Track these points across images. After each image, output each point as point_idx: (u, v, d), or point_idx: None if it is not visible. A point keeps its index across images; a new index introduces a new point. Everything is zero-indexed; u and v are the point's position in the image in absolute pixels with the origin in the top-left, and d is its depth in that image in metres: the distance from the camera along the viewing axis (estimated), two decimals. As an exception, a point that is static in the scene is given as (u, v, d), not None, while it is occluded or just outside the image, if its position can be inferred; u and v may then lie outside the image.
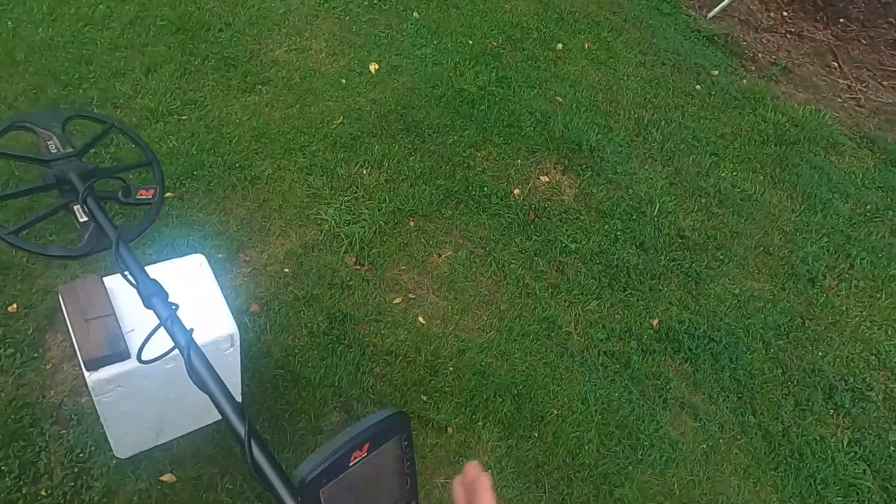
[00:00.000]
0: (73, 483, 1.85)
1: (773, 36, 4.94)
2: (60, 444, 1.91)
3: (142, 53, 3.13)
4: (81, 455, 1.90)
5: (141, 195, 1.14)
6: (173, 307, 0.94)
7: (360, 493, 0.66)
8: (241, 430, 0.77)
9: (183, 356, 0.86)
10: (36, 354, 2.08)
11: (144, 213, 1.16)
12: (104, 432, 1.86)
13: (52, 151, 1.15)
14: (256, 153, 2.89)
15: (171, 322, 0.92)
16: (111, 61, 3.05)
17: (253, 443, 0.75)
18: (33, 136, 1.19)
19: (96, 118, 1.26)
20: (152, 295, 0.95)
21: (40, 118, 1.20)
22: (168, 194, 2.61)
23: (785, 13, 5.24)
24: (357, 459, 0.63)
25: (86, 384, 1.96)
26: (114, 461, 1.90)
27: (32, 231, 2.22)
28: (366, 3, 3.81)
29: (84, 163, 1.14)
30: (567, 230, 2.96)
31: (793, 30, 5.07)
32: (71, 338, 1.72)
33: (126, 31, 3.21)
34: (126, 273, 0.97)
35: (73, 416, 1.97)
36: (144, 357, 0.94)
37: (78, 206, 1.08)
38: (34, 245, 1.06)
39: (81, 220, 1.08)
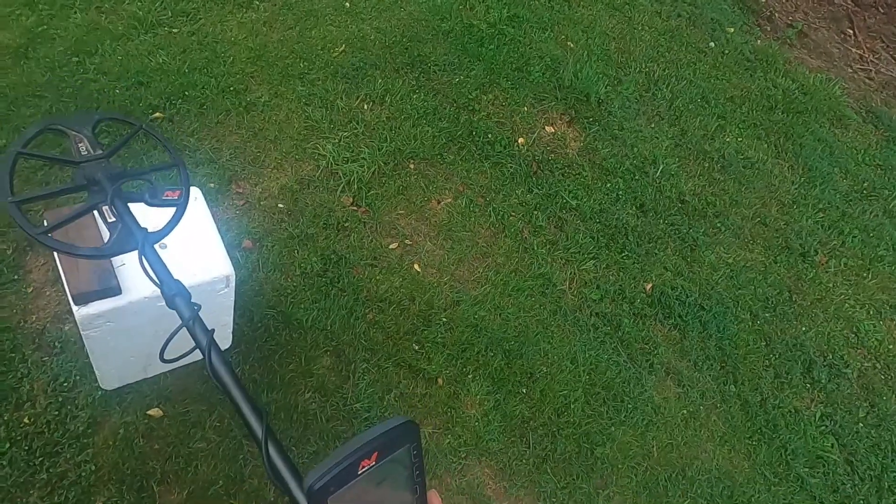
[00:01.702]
0: (56, 412, 1.81)
1: (793, -5, 4.76)
2: (43, 372, 1.86)
3: (129, -47, 2.86)
4: (66, 384, 1.85)
5: (167, 196, 1.13)
6: (196, 307, 0.92)
7: (368, 501, 0.66)
8: (258, 431, 0.76)
9: (204, 356, 0.83)
10: (16, 277, 1.99)
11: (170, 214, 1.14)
12: (89, 362, 1.81)
13: (83, 153, 1.13)
14: (252, 77, 2.72)
15: (193, 322, 0.89)
16: (95, -41, 2.78)
17: (270, 444, 0.74)
18: (65, 138, 1.17)
19: (126, 121, 1.27)
20: (176, 295, 0.94)
21: (72, 121, 1.19)
22: (157, 114, 2.46)
23: (807, -29, 5.03)
24: (366, 468, 0.63)
25: (70, 312, 1.89)
26: (99, 392, 1.86)
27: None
28: (375, -82, 3.52)
29: (113, 164, 1.12)
30: (569, 185, 2.90)
31: (812, -10, 4.89)
32: (57, 266, 1.64)
33: (112, -75, 2.92)
34: (150, 274, 0.98)
35: (56, 344, 1.91)
36: (167, 357, 0.93)
37: (106, 206, 1.07)
38: (64, 245, 1.06)
39: (109, 220, 1.07)
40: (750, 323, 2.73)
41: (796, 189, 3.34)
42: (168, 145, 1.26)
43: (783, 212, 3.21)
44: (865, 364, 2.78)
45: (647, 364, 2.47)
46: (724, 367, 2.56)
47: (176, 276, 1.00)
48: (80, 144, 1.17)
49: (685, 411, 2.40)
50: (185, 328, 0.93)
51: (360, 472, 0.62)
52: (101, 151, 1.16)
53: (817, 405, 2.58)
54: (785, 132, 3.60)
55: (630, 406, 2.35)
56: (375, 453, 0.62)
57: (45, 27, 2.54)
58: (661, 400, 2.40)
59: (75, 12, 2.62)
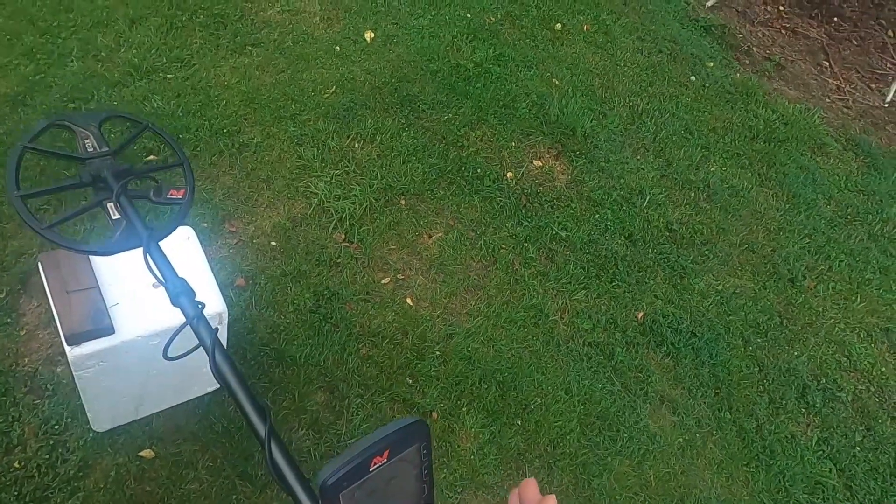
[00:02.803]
0: (47, 455, 1.79)
1: (769, 30, 4.94)
2: (35, 415, 1.85)
3: (125, 4, 2.96)
4: (57, 427, 1.84)
5: (171, 195, 1.15)
6: (200, 306, 0.94)
7: (378, 498, 0.67)
8: (261, 431, 0.77)
9: (208, 355, 0.85)
10: (9, 320, 2.00)
11: (174, 212, 1.16)
12: (81, 404, 1.81)
13: (89, 150, 1.16)
14: (245, 119, 2.78)
15: (197, 321, 0.91)
16: (93, 10, 2.88)
17: (273, 444, 0.75)
18: (72, 134, 1.20)
19: (132, 119, 1.29)
20: (180, 294, 0.95)
21: (79, 118, 1.22)
22: (151, 157, 2.50)
23: (781, 7, 5.23)
24: (377, 465, 0.65)
25: (63, 354, 1.90)
26: (91, 434, 1.85)
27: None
28: (363, -34, 3.66)
29: (119, 162, 1.15)
30: (558, 217, 2.94)
31: (787, 25, 5.06)
32: (50, 307, 1.65)
33: (109, -22, 3.03)
34: (154, 271, 0.99)
35: (48, 386, 1.91)
36: (170, 354, 0.94)
37: (111, 203, 1.09)
38: (69, 240, 1.07)
39: (114, 217, 1.10)
40: (742, 349, 2.75)
41: (781, 216, 3.40)
42: (174, 144, 1.28)
43: (770, 238, 3.26)
44: (859, 387, 2.78)
45: (641, 392, 2.47)
46: (718, 393, 2.57)
47: (181, 275, 1.01)
48: (86, 141, 1.19)
49: (681, 439, 2.39)
50: (189, 327, 0.94)
51: (371, 470, 0.63)
52: (107, 148, 1.17)
53: (813, 430, 2.57)
54: (768, 161, 3.68)
55: (626, 435, 2.34)
56: (387, 451, 0.64)
57: (43, 75, 2.61)
58: (657, 428, 2.40)
59: (72, 61, 2.69)
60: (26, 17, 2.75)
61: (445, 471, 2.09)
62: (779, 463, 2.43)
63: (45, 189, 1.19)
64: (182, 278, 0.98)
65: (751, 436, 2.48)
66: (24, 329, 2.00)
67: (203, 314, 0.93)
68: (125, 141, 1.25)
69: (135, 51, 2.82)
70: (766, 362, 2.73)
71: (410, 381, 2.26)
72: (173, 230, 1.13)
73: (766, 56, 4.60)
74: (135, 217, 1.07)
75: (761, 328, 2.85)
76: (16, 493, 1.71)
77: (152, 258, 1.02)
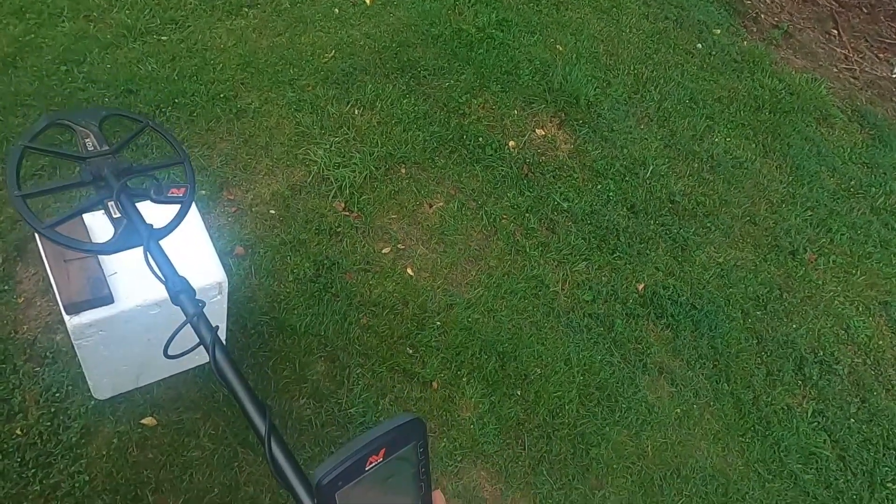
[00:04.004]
0: (49, 423, 1.80)
1: (778, -4, 4.82)
2: (35, 383, 1.85)
3: (117, -39, 2.86)
4: (58, 395, 1.84)
5: (172, 193, 1.13)
6: (200, 304, 0.92)
7: (375, 497, 0.67)
8: (261, 428, 0.76)
9: (208, 353, 0.84)
10: (6, 287, 1.98)
11: (175, 210, 1.14)
12: (81, 372, 1.81)
13: (89, 149, 1.13)
14: (242, 83, 2.72)
15: (197, 319, 0.89)
16: (82, -32, 2.78)
17: (273, 441, 0.75)
18: (72, 133, 1.17)
19: (132, 117, 1.26)
20: (180, 292, 0.94)
21: (79, 116, 1.19)
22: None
23: (791, -27, 5.09)
24: (373, 464, 0.64)
25: (62, 322, 1.88)
26: (92, 402, 1.85)
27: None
28: (363, -76, 3.53)
29: (119, 160, 1.12)
30: (560, 187, 2.91)
31: (797, -9, 4.94)
32: (47, 275, 1.63)
33: (99, -66, 2.91)
34: (154, 269, 0.98)
35: (47, 354, 1.90)
36: (171, 352, 0.93)
37: (112, 202, 1.07)
38: (69, 239, 1.05)
39: (114, 216, 1.07)
40: (741, 321, 2.75)
41: (784, 188, 3.37)
42: (174, 142, 1.26)
43: (772, 210, 3.24)
44: (856, 360, 2.80)
45: (640, 364, 2.48)
46: (716, 365, 2.58)
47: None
48: (86, 140, 1.17)
49: (679, 410, 2.42)
50: (189, 325, 0.93)
51: (367, 469, 0.63)
52: (107, 147, 1.16)
53: (809, 402, 2.60)
54: (772, 132, 3.64)
55: (624, 406, 2.36)
56: (383, 450, 0.63)
57: (34, 36, 2.53)
58: (655, 399, 2.42)
59: (63, 21, 2.61)
60: (14, -26, 2.66)
61: (445, 440, 2.11)
62: (774, 434, 2.46)
63: (47, 188, 1.17)
64: (182, 277, 0.97)
65: (747, 407, 2.50)
66: (21, 297, 1.98)
67: (204, 312, 0.92)
68: (125, 139, 1.22)
69: (128, 11, 2.73)
70: (764, 335, 2.74)
71: (411, 351, 2.26)
72: (174, 228, 1.12)
73: (775, 24, 4.50)
74: (135, 216, 1.06)
75: (761, 301, 2.85)
76: (18, 460, 1.72)
77: (153, 256, 1.01)
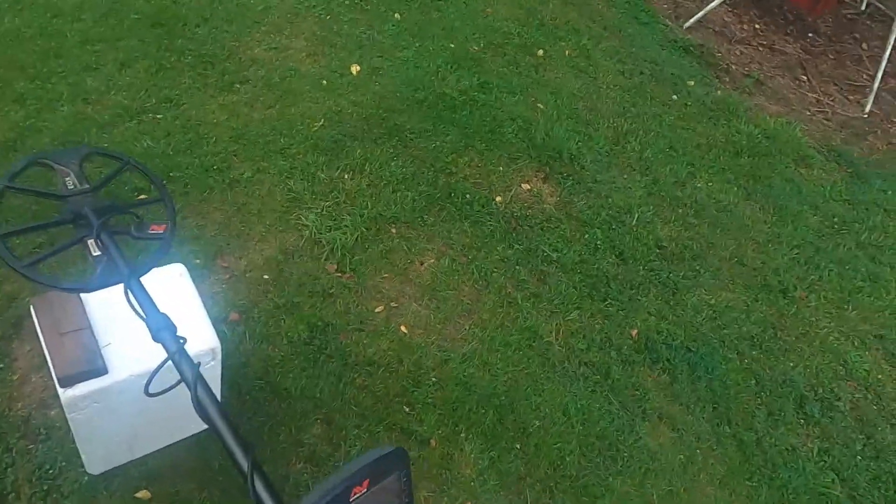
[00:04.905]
0: (42, 501, 1.78)
1: (746, 48, 5.05)
2: (28, 460, 1.83)
3: (115, 48, 3.02)
4: (51, 471, 1.82)
5: (153, 230, 1.17)
6: (181, 341, 0.94)
7: None
8: (244, 465, 0.77)
9: (189, 390, 0.86)
10: (2, 365, 1.99)
11: (155, 247, 1.17)
12: (75, 447, 1.80)
13: (70, 187, 1.17)
14: (235, 155, 2.82)
15: (179, 356, 0.92)
16: (82, 55, 2.93)
17: (256, 478, 0.76)
18: (52, 172, 1.21)
19: (113, 156, 1.31)
20: (162, 329, 0.97)
21: (59, 155, 1.24)
22: (142, 196, 2.53)
23: (757, 26, 5.36)
24: (357, 495, 0.65)
25: (56, 397, 1.89)
26: (85, 477, 1.83)
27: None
28: (346, 2, 3.75)
29: (99, 199, 1.16)
30: (548, 239, 2.97)
31: (764, 42, 5.18)
32: (42, 350, 1.65)
33: (98, 23, 3.09)
34: (135, 306, 1.00)
35: (41, 430, 1.89)
36: (152, 390, 0.94)
37: (92, 240, 1.10)
38: (48, 278, 1.08)
39: (94, 254, 1.11)
40: (738, 362, 2.75)
41: (769, 228, 3.44)
42: (156, 180, 1.29)
43: (759, 251, 3.29)
44: (857, 395, 2.78)
45: (639, 410, 2.47)
46: (716, 408, 2.56)
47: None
48: (66, 179, 1.19)
49: (682, 456, 2.38)
50: (171, 362, 0.94)
51: (352, 500, 0.64)
52: (87, 186, 1.18)
53: (814, 441, 2.57)
54: (753, 174, 3.74)
55: (626, 454, 2.33)
56: (367, 480, 0.64)
57: (34, 121, 2.64)
58: (657, 446, 2.39)
59: (62, 105, 2.73)
60: (16, 64, 2.80)
61: (446, 499, 2.07)
62: (781, 476, 2.42)
63: (26, 227, 1.20)
64: (163, 314, 0.99)
65: (751, 449, 2.47)
66: (16, 374, 1.99)
67: (185, 349, 0.94)
68: (106, 178, 1.26)
69: (124, 93, 2.86)
70: (762, 374, 2.73)
71: (407, 409, 2.25)
72: (155, 265, 1.14)
73: (745, 73, 4.70)
74: (115, 253, 1.08)
75: (756, 340, 2.86)
76: (10, 542, 1.69)
77: (133, 294, 1.02)
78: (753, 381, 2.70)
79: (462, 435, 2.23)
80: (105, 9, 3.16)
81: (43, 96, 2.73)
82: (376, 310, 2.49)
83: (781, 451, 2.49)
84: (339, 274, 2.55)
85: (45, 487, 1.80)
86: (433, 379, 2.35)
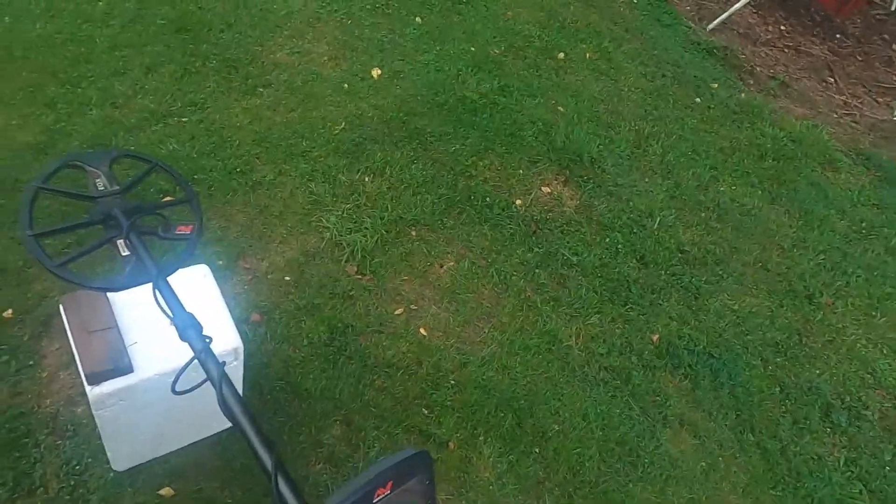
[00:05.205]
0: (68, 496, 1.81)
1: (772, 50, 4.98)
2: (56, 456, 1.87)
3: (141, 53, 3.08)
4: (78, 467, 1.86)
5: (180, 231, 1.19)
6: (207, 340, 0.96)
7: None
8: (268, 463, 0.78)
9: (215, 388, 0.87)
10: (31, 362, 2.04)
11: (182, 248, 1.19)
12: (101, 443, 1.83)
13: (100, 189, 1.21)
14: (257, 158, 2.85)
15: (205, 355, 0.93)
16: (110, 60, 3.00)
17: (279, 477, 0.77)
18: (79, 174, 1.25)
19: (141, 158, 1.34)
20: (188, 327, 0.98)
21: (90, 157, 1.27)
22: (168, 198, 2.57)
23: (783, 27, 5.28)
24: (381, 497, 0.65)
25: (83, 394, 1.93)
26: (111, 474, 1.87)
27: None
28: (368, 7, 3.78)
29: (129, 200, 1.19)
30: (568, 242, 2.96)
31: (790, 44, 5.10)
32: (71, 348, 1.69)
33: (126, 29, 3.16)
34: (162, 305, 1.02)
35: (69, 427, 1.93)
36: (178, 388, 0.96)
37: (121, 240, 1.13)
38: (79, 277, 1.11)
39: (124, 253, 1.13)
40: (762, 369, 2.71)
41: (794, 233, 3.38)
42: (182, 181, 1.31)
43: (784, 256, 3.24)
44: (886, 404, 2.72)
45: (660, 416, 2.44)
46: (739, 415, 2.52)
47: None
48: (97, 180, 1.23)
49: (704, 463, 2.35)
50: (197, 361, 0.96)
51: (375, 501, 0.64)
52: (117, 187, 1.20)
53: (840, 450, 2.51)
54: (777, 178, 3.68)
55: (647, 461, 2.30)
56: (390, 482, 0.65)
57: (64, 124, 2.71)
58: (678, 452, 2.36)
59: (91, 109, 2.80)
60: (48, 69, 2.87)
61: (464, 501, 2.07)
62: (806, 485, 2.37)
63: (58, 228, 1.23)
64: (189, 313, 1.01)
65: (775, 458, 2.42)
66: (45, 371, 2.04)
67: (210, 348, 0.95)
68: (134, 179, 1.29)
69: (151, 97, 2.92)
70: (787, 382, 2.69)
71: (426, 412, 2.25)
72: (181, 266, 1.16)
73: (771, 75, 4.63)
74: (144, 253, 1.11)
75: (780, 347, 2.81)
76: (38, 535, 1.73)
77: (161, 293, 1.05)
78: (778, 389, 2.65)
79: (480, 438, 2.23)
80: (132, 14, 3.23)
81: (73, 100, 2.80)
82: (396, 312, 2.50)
83: (807, 459, 2.44)
84: (360, 276, 2.57)
85: (72, 483, 1.83)
86: (452, 381, 2.35)
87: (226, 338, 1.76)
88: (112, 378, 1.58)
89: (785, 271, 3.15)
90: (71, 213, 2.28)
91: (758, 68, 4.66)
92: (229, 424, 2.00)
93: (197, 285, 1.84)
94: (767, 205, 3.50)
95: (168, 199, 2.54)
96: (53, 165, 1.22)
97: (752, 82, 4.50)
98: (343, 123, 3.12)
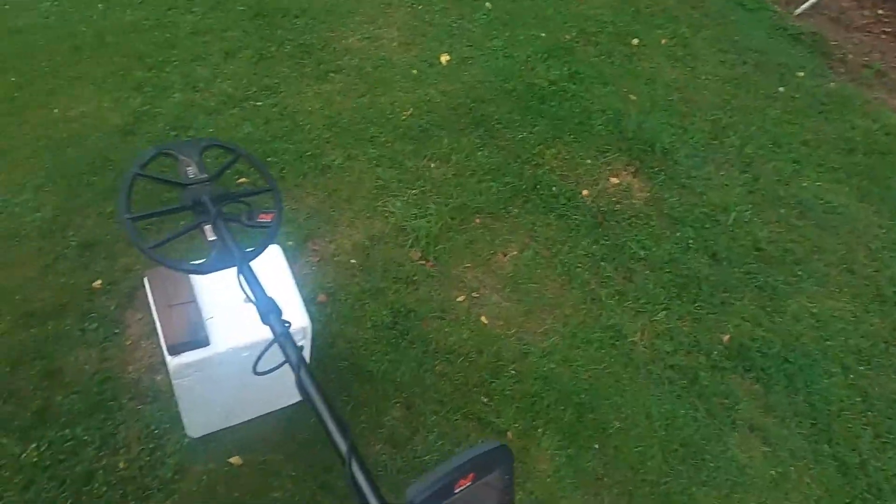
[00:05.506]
0: (148, 458, 1.92)
1: (867, 36, 4.63)
2: (137, 420, 1.99)
3: (221, 38, 3.19)
4: (157, 431, 1.98)
5: (261, 219, 1.24)
6: (286, 325, 0.99)
7: None
8: (343, 447, 0.80)
9: (293, 371, 0.90)
10: (117, 330, 2.17)
11: (263, 235, 1.24)
12: (178, 411, 1.93)
13: (190, 176, 1.27)
14: (327, 142, 2.91)
15: (284, 338, 0.96)
16: (192, 45, 3.12)
17: (353, 460, 0.78)
18: (175, 161, 1.32)
19: (227, 148, 1.40)
20: (269, 312, 1.02)
21: (182, 147, 1.34)
22: (242, 179, 2.66)
23: (880, 11, 4.89)
24: (462, 487, 0.65)
25: (163, 363, 2.04)
26: (186, 440, 1.97)
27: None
28: (439, -9, 3.76)
29: (216, 187, 1.25)
30: (636, 235, 2.87)
31: (888, 30, 4.73)
32: (154, 320, 1.78)
33: (207, 15, 3.28)
34: (246, 290, 1.06)
35: (149, 393, 2.05)
36: (259, 369, 1.00)
37: (208, 226, 1.19)
38: (170, 260, 1.18)
39: (210, 238, 1.19)
40: (842, 377, 2.55)
41: (885, 234, 3.15)
42: (265, 171, 1.36)
43: (872, 258, 3.03)
44: (982, 423, 2.51)
45: (728, 420, 2.35)
46: (815, 424, 2.39)
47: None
48: (188, 168, 1.29)
49: (774, 472, 2.25)
50: (277, 344, 0.99)
51: (456, 491, 0.65)
52: (206, 175, 1.27)
53: (927, 468, 2.34)
54: (868, 174, 3.44)
55: (712, 465, 2.22)
56: (472, 474, 0.65)
57: (149, 107, 2.85)
58: (747, 459, 2.26)
59: (174, 92, 2.92)
60: (136, 54, 3.02)
61: (521, 493, 2.06)
62: (887, 503, 2.23)
63: (153, 212, 1.30)
64: (271, 298, 1.04)
65: (854, 472, 2.29)
66: (129, 339, 2.17)
67: (289, 332, 0.98)
68: (221, 168, 1.34)
69: (229, 81, 3.02)
70: (870, 392, 2.52)
71: (485, 400, 2.25)
72: (262, 251, 1.21)
73: (865, 63, 4.31)
74: (229, 239, 1.15)
75: (864, 355, 2.64)
76: (120, 492, 1.85)
77: (244, 278, 1.08)
78: (860, 399, 2.49)
79: (539, 430, 2.21)
80: (213, 1, 3.35)
81: (158, 84, 2.94)
82: (458, 299, 2.51)
83: (889, 476, 2.29)
84: (423, 262, 2.59)
85: (151, 446, 1.95)
86: (512, 371, 2.34)
87: (294, 316, 1.81)
88: (190, 349, 1.66)
89: (872, 274, 2.95)
90: (156, 198, 2.40)
91: (850, 56, 4.35)
92: (295, 401, 2.08)
93: (269, 264, 1.90)
94: (856, 202, 3.28)
95: (244, 180, 2.64)
96: (149, 153, 1.29)
97: (843, 71, 4.20)
98: (411, 109, 3.13)
